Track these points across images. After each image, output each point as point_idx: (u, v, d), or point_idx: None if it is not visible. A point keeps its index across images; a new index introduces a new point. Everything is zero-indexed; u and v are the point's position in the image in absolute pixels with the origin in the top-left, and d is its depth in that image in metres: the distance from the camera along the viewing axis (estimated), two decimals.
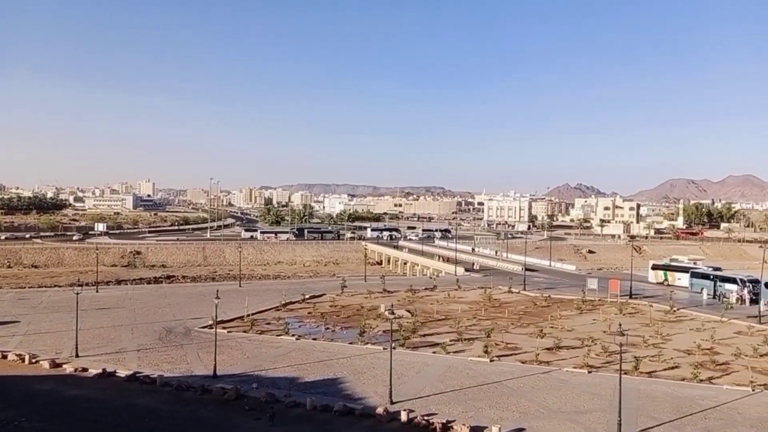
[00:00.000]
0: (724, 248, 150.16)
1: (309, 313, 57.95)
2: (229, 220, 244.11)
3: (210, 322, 44.15)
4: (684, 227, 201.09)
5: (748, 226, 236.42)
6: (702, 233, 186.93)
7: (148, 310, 58.10)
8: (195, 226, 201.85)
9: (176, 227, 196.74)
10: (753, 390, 34.18)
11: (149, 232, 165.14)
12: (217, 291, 42.62)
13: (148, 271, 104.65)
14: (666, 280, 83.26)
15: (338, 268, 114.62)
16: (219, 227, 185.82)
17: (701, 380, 36.15)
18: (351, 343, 44.51)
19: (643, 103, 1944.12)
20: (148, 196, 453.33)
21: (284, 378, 35.65)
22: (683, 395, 33.11)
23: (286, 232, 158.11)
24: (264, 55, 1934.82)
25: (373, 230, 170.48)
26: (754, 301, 64.04)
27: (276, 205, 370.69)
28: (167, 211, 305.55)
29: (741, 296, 67.75)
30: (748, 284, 68.89)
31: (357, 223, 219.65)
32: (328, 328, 50.82)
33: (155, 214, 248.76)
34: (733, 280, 71.47)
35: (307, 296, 66.43)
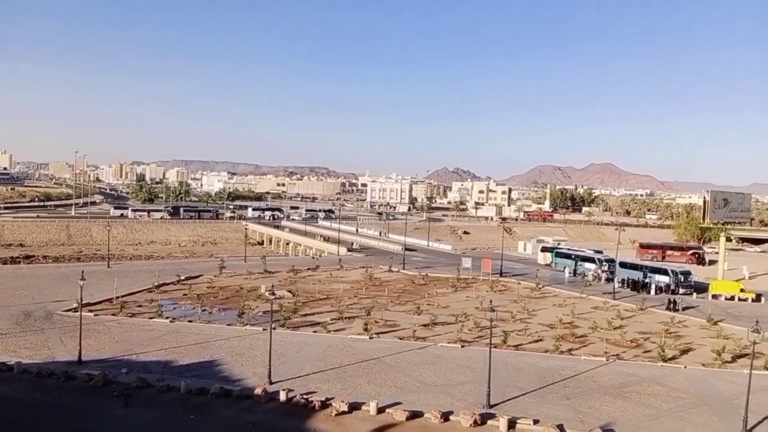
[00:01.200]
0: (584, 230, 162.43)
1: (184, 294, 55.58)
2: (97, 197, 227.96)
3: (75, 305, 41.16)
4: (533, 211, 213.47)
5: (606, 210, 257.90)
6: (551, 216, 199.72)
7: (4, 292, 52.97)
8: (58, 202, 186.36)
9: (37, 203, 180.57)
10: (607, 360, 37.45)
11: (5, 208, 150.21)
12: (83, 272, 39.67)
13: (3, 251, 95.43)
14: (554, 261, 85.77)
15: (217, 249, 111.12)
16: (85, 204, 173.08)
17: (562, 352, 39.05)
18: (229, 325, 43.39)
19: (516, 94, 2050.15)
20: (5, 169, 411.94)
21: (157, 362, 34.04)
22: (546, 366, 35.59)
23: (160, 210, 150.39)
24: (136, 18, 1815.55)
25: (254, 210, 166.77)
26: (610, 279, 70.01)
27: (149, 182, 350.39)
28: (26, 186, 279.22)
29: (598, 274, 73.86)
30: (604, 263, 75.20)
31: (238, 202, 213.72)
32: (205, 310, 49.06)
33: (12, 189, 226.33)
34: (591, 260, 77.71)
35: (182, 277, 63.69)
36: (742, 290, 64.01)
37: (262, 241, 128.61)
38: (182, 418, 26.88)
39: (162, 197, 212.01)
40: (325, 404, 27.94)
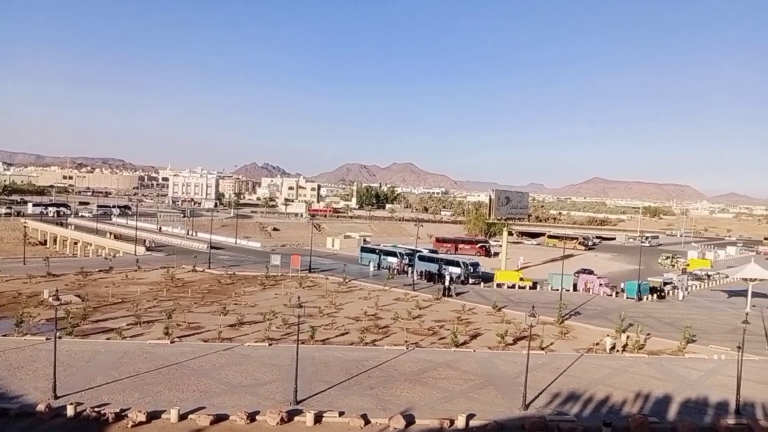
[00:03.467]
0: (388, 226, 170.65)
1: None
2: None
3: None
4: (318, 208, 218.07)
5: (407, 207, 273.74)
6: (330, 211, 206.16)
7: None
8: None
9: None
10: (407, 348, 39.64)
11: None
12: None
13: None
14: (360, 256, 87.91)
15: None
16: None
17: (366, 343, 40.57)
18: (5, 335, 38.20)
19: (327, 93, 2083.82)
20: None
21: None
22: (351, 358, 36.69)
23: None
24: None
25: (35, 206, 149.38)
26: (406, 271, 74.36)
27: None
28: None
29: (400, 267, 78.06)
30: (405, 257, 79.71)
31: (15, 197, 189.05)
32: None
33: None
34: (394, 254, 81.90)
35: None
36: (521, 279, 72.04)
37: (45, 241, 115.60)
38: None
39: None
40: (120, 416, 25.87)
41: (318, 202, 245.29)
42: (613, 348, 42.64)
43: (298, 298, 34.47)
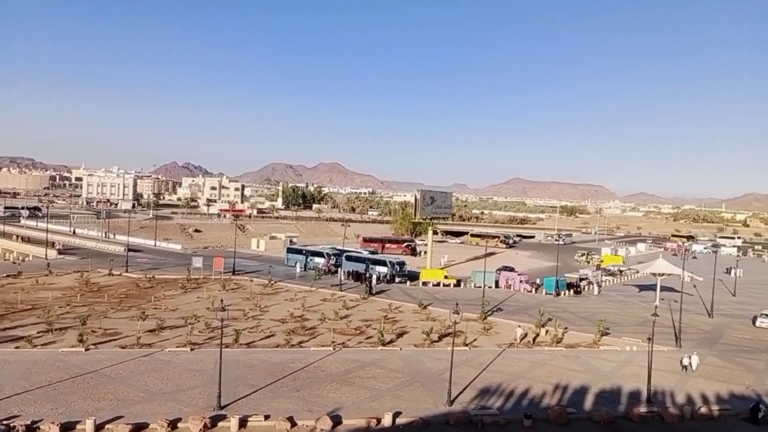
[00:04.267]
0: (315, 226, 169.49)
1: None
2: None
3: None
4: (226, 208, 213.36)
5: (334, 207, 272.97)
6: (244, 211, 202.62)
7: None
8: None
9: None
10: (334, 349, 39.59)
11: None
12: None
13: None
14: (286, 257, 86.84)
15: None
16: None
17: (293, 345, 40.21)
18: None
19: (251, 90, 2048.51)
20: None
21: None
22: (277, 360, 36.25)
23: None
24: None
25: None
26: (335, 272, 74.20)
27: None
28: None
29: (327, 267, 77.76)
30: (332, 257, 79.48)
31: None
32: None
33: None
34: (321, 254, 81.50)
35: None
36: (446, 277, 73.42)
37: None
38: None
39: None
40: (31, 428, 24.48)
41: (242, 202, 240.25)
42: (524, 337, 45.11)
43: (221, 301, 33.77)
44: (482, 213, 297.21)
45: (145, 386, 30.67)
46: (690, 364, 38.60)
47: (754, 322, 55.60)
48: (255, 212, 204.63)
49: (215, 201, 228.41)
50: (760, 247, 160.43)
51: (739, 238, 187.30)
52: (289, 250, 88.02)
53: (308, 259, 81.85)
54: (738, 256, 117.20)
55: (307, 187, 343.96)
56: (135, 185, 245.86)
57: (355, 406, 29.01)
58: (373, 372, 35.01)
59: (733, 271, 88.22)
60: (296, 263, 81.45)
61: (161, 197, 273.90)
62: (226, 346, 34.70)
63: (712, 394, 33.97)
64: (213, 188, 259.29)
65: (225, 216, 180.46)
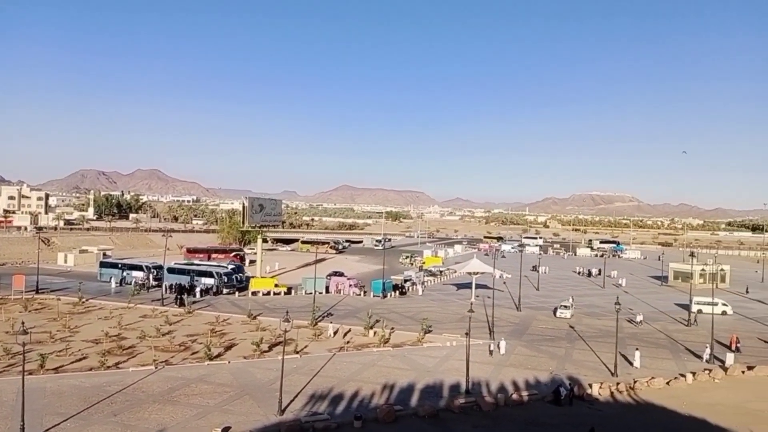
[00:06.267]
0: (132, 238, 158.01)
1: None
2: None
3: None
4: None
5: (154, 216, 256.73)
6: (8, 221, 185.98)
7: None
8: None
9: None
10: (156, 368, 37.22)
11: None
12: None
13: None
14: (99, 272, 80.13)
15: None
16: None
17: (109, 367, 37.10)
18: None
19: (80, 92, 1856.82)
20: None
21: None
22: (91, 384, 33.24)
23: None
24: None
25: None
26: (159, 285, 69.98)
27: None
28: None
29: (147, 281, 73.01)
30: (153, 270, 74.81)
31: None
32: None
33: None
34: (139, 267, 76.33)
35: None
36: (276, 285, 72.68)
37: None
38: None
39: None
40: None
41: (46, 212, 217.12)
42: (336, 333, 48.71)
43: (23, 323, 30.23)
44: (312, 220, 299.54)
45: None
46: (498, 347, 43.97)
47: (554, 313, 62.30)
48: (62, 224, 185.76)
49: (14, 212, 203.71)
50: (558, 246, 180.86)
51: (540, 237, 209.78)
52: (103, 264, 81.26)
53: (125, 273, 76.18)
54: (540, 254, 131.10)
55: (122, 195, 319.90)
56: None
57: (180, 426, 27.56)
58: (200, 388, 33.53)
59: (539, 268, 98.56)
60: (111, 278, 75.37)
61: None
62: (30, 373, 31.15)
63: (522, 381, 37.45)
64: (11, 198, 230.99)
65: (26, 229, 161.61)
